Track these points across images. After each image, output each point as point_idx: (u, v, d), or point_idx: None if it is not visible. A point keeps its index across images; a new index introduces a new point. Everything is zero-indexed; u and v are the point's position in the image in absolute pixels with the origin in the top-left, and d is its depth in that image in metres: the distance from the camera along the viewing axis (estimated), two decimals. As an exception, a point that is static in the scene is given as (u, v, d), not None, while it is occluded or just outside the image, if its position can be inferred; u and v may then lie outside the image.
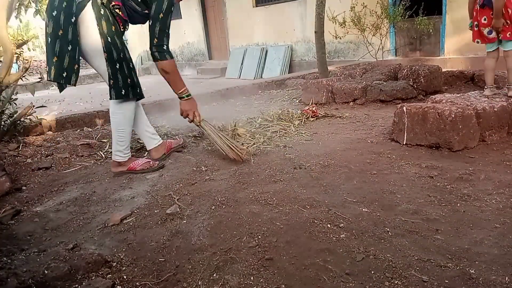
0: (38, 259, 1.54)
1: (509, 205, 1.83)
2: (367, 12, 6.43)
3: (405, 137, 2.75)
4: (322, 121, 3.70)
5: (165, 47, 2.43)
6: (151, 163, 2.66)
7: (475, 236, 1.61)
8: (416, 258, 1.48)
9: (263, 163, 2.60)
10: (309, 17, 8.01)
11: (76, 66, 2.31)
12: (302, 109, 3.93)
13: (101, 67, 2.39)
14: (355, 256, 1.52)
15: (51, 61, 2.29)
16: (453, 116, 2.52)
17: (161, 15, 2.35)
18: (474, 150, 2.58)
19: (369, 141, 2.93)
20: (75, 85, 2.40)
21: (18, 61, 3.66)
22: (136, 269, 1.56)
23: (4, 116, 3.27)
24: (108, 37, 2.31)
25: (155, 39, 2.39)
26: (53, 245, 1.76)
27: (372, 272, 1.42)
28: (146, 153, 2.94)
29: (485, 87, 3.27)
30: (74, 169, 2.83)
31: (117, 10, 2.36)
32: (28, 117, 3.45)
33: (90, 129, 3.83)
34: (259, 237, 1.70)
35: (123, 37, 2.49)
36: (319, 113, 3.83)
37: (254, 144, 3.00)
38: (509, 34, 3.07)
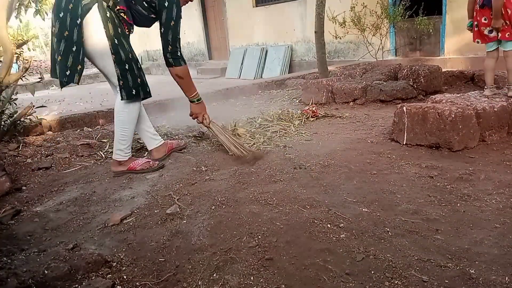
0: (38, 259, 1.54)
1: (509, 205, 1.83)
2: (367, 12, 6.43)
3: (405, 137, 2.75)
4: (322, 121, 3.69)
5: (179, 53, 2.52)
6: (151, 163, 2.66)
7: (475, 236, 1.61)
8: (416, 258, 1.48)
9: (263, 163, 2.60)
10: (309, 17, 8.01)
11: (80, 66, 2.33)
12: (302, 109, 3.93)
13: (107, 68, 2.42)
14: (355, 256, 1.52)
15: (56, 60, 2.34)
16: (453, 116, 2.52)
17: (172, 22, 2.43)
18: (474, 150, 2.58)
19: (369, 141, 2.93)
20: (78, 83, 2.44)
21: (18, 61, 3.66)
22: (136, 269, 1.56)
23: (4, 116, 3.27)
24: (115, 39, 2.34)
25: (169, 46, 2.47)
26: (53, 245, 1.76)
27: (372, 272, 1.42)
28: (146, 153, 2.94)
29: (485, 87, 3.27)
30: (74, 169, 2.83)
31: (122, 14, 2.39)
32: (28, 117, 3.45)
33: (90, 129, 3.84)
34: (259, 237, 1.70)
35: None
36: (319, 113, 3.83)
37: (254, 144, 3.01)
38: (508, 35, 3.07)
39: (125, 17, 2.41)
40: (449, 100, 2.99)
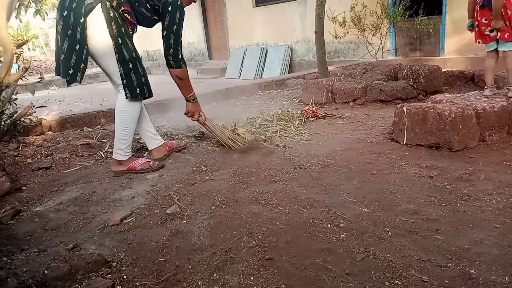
0: (38, 259, 1.54)
1: (509, 205, 1.83)
2: (367, 12, 6.43)
3: (405, 137, 2.75)
4: (322, 121, 3.70)
5: (180, 56, 2.56)
6: (151, 163, 2.66)
7: (475, 236, 1.61)
8: (416, 258, 1.48)
9: (263, 163, 2.60)
10: (309, 17, 8.01)
11: (83, 65, 2.35)
12: (302, 109, 3.93)
13: (109, 67, 2.44)
14: (355, 256, 1.52)
15: (59, 58, 2.36)
16: (453, 116, 2.52)
17: (175, 27, 2.46)
18: (474, 150, 2.58)
19: (369, 141, 2.93)
20: (80, 82, 2.46)
21: (18, 61, 3.66)
22: (136, 269, 1.56)
23: (4, 116, 3.27)
24: (119, 38, 2.36)
25: (171, 49, 2.51)
26: (53, 245, 1.76)
27: (372, 272, 1.42)
28: (146, 153, 2.94)
29: (485, 87, 3.28)
30: (74, 169, 2.83)
31: (126, 15, 2.41)
32: (28, 117, 3.45)
33: (90, 129, 3.84)
34: (259, 237, 1.70)
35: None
36: (319, 113, 3.83)
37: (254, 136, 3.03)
38: (507, 35, 3.07)
39: (128, 17, 2.43)
40: (449, 100, 2.99)
